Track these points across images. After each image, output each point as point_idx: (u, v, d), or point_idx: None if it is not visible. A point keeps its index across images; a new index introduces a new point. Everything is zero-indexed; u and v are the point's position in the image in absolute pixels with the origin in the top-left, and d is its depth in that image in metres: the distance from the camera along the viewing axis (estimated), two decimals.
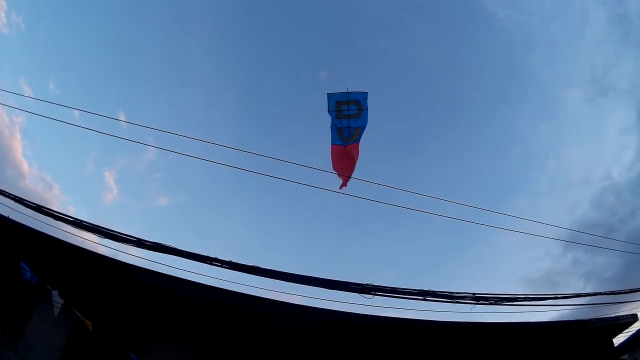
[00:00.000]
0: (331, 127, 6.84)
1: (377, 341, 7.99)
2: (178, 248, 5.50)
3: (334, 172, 7.09)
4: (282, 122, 35.97)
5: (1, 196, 6.98)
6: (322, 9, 30.91)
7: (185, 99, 34.88)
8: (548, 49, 29.56)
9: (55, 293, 7.46)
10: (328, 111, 6.62)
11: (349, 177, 6.99)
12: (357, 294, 5.49)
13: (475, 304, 5.93)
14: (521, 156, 33.74)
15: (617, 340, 9.21)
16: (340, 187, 7.02)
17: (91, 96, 30.71)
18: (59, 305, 7.42)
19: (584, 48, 29.22)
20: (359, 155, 6.96)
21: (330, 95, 6.54)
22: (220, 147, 6.32)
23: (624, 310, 8.68)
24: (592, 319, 8.43)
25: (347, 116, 6.60)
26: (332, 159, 7.02)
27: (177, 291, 7.77)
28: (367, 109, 6.51)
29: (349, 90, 6.44)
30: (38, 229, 7.70)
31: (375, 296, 5.43)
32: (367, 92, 6.42)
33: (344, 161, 7.05)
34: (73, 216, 5.94)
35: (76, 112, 7.73)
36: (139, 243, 5.63)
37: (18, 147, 33.00)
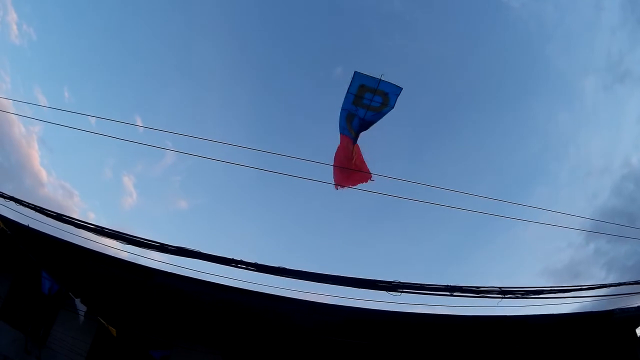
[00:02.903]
0: (341, 111, 5.62)
1: (405, 338, 7.87)
2: (202, 252, 5.40)
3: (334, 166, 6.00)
4: (299, 120, 35.78)
5: (21, 206, 6.96)
6: (336, 4, 30.68)
7: (201, 100, 34.89)
8: (563, 38, 29.26)
9: (77, 301, 7.39)
10: (347, 92, 5.36)
11: (351, 180, 5.95)
12: (383, 292, 5.37)
13: (502, 298, 5.79)
14: (540, 147, 33.38)
15: None
16: (337, 187, 6.05)
17: (107, 102, 30.82)
18: (82, 313, 7.36)
19: (599, 35, 28.86)
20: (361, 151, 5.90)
21: (357, 75, 5.21)
22: (238, 147, 6.19)
23: None
24: (615, 309, 8.27)
25: (367, 106, 5.40)
26: (336, 153, 5.97)
27: (201, 294, 7.68)
28: (392, 107, 5.33)
29: (383, 79, 5.13)
30: (59, 237, 7.68)
31: (403, 293, 5.31)
32: (402, 88, 5.18)
33: (349, 159, 5.98)
34: (94, 223, 5.86)
35: (92, 119, 7.68)
36: (162, 248, 5.54)
37: (36, 156, 33.23)
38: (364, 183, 6.05)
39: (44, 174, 34.22)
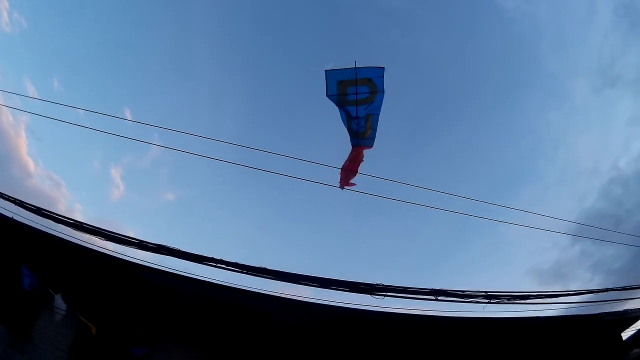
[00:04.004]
0: (341, 117, 4.99)
1: (388, 337, 7.66)
2: (182, 250, 5.18)
3: (340, 170, 5.63)
4: (288, 116, 35.35)
5: (1, 199, 6.67)
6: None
7: (191, 95, 34.43)
8: (555, 40, 29.10)
9: (57, 298, 7.12)
10: (327, 95, 4.75)
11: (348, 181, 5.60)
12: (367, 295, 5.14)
13: (488, 302, 5.59)
14: (529, 146, 33.25)
15: (625, 334, 8.89)
16: (343, 187, 5.70)
17: (96, 93, 30.33)
18: (62, 312, 7.10)
19: (591, 38, 28.75)
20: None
21: (329, 74, 4.56)
22: (226, 143, 5.93)
23: (631, 304, 8.38)
24: (602, 313, 8.13)
25: (355, 102, 4.74)
26: (347, 161, 5.46)
27: (183, 290, 7.44)
28: (383, 91, 4.65)
29: (358, 66, 4.48)
30: (42, 230, 7.40)
31: (386, 297, 5.08)
32: (383, 68, 4.54)
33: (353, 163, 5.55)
34: (73, 218, 5.60)
35: (81, 110, 7.39)
36: (142, 245, 5.29)
37: (23, 145, 32.56)
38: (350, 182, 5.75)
39: (31, 164, 33.60)
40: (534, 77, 30.95)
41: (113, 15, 29.29)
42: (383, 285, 5.09)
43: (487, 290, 5.57)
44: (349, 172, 5.64)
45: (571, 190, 34.73)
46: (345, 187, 5.83)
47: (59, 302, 7.14)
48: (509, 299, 5.73)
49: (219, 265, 5.08)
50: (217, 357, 8.10)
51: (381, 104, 4.93)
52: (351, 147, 5.51)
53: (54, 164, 35.87)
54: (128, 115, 27.05)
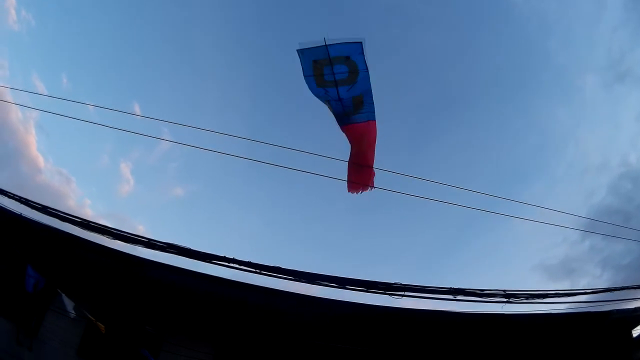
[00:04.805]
0: (319, 97, 4.37)
1: (403, 333, 7.44)
2: (192, 249, 4.90)
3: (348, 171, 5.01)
4: (294, 110, 34.65)
5: (6, 197, 6.42)
6: None
7: (199, 89, 33.85)
8: (564, 35, 28.51)
9: (64, 297, 6.88)
10: (304, 76, 4.16)
11: (364, 182, 4.95)
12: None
13: (507, 302, 5.33)
14: (538, 142, 32.58)
15: (636, 332, 8.67)
16: (360, 190, 5.05)
17: (105, 89, 29.92)
18: (70, 314, 6.86)
19: (601, 33, 28.16)
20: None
21: (302, 53, 3.97)
22: (236, 137, 5.63)
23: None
24: (612, 310, 7.90)
25: (334, 82, 4.12)
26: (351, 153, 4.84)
27: (192, 286, 7.21)
28: (365, 69, 4.01)
29: (329, 42, 3.81)
30: (50, 225, 7.13)
31: (404, 297, 4.82)
32: (361, 42, 3.86)
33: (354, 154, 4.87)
34: (80, 217, 5.31)
35: (90, 106, 7.10)
36: (150, 244, 5.02)
37: (33, 142, 32.10)
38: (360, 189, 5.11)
39: (41, 160, 33.21)
40: (542, 72, 30.38)
41: (121, 10, 28.84)
42: (400, 284, 4.83)
43: (506, 289, 5.32)
44: (359, 167, 5.18)
45: (580, 186, 34.20)
46: (355, 189, 5.24)
47: (66, 301, 6.90)
48: (527, 298, 5.47)
49: (231, 265, 4.81)
50: (228, 354, 7.90)
51: (368, 81, 4.21)
52: (346, 127, 4.74)
53: (64, 160, 35.45)
54: (137, 110, 26.74)
